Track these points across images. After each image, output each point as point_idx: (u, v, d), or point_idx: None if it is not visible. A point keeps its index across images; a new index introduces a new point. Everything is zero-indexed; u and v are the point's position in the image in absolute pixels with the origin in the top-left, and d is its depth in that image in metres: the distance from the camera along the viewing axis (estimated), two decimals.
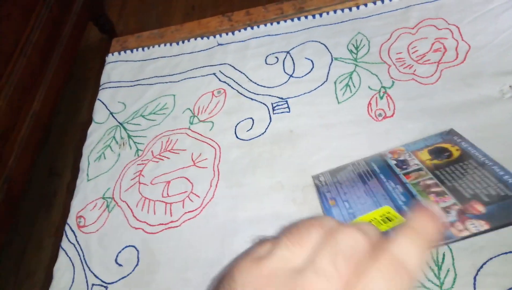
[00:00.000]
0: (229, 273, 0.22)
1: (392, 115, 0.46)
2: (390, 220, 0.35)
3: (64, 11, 1.35)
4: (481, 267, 0.35)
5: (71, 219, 0.52)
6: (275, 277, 0.20)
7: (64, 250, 0.49)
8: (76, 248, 0.49)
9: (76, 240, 0.50)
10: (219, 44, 0.60)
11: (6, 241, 1.13)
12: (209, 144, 0.51)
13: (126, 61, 0.64)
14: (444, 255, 0.36)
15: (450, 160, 0.39)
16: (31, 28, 1.20)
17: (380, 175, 0.40)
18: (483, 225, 0.31)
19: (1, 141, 1.08)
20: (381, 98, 0.48)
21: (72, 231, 0.51)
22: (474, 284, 0.35)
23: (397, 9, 0.54)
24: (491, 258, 0.35)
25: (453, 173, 0.37)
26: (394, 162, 0.41)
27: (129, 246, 0.47)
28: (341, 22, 0.55)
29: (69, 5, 1.38)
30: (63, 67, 1.31)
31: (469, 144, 0.39)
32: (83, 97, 1.54)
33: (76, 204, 0.53)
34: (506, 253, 0.35)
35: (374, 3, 0.55)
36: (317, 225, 0.22)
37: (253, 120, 0.51)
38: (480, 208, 0.32)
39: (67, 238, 0.50)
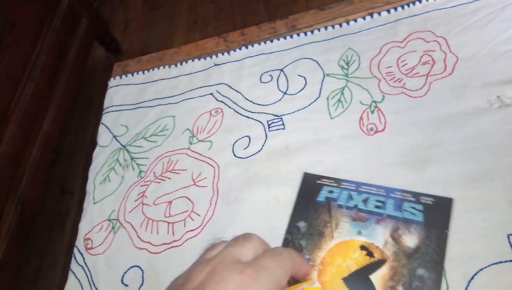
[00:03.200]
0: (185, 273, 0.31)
1: (383, 130, 0.47)
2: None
3: (69, 34, 1.39)
4: (472, 278, 0.36)
5: (79, 242, 0.54)
6: (224, 262, 0.30)
7: (73, 272, 0.51)
8: (84, 269, 0.51)
9: (84, 262, 0.52)
10: (215, 65, 0.62)
11: (22, 259, 1.16)
12: (208, 163, 0.53)
13: (128, 84, 0.66)
14: None
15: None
16: (37, 52, 1.24)
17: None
18: None
19: (13, 164, 1.11)
20: (372, 112, 0.49)
21: (80, 253, 0.53)
22: None
23: (386, 23, 0.55)
24: (481, 269, 0.36)
25: None
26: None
27: (134, 266, 0.49)
28: (332, 38, 0.57)
29: (74, 28, 1.42)
30: (71, 88, 1.35)
31: None
32: (91, 115, 1.58)
33: (83, 227, 0.55)
34: (496, 263, 0.36)
35: (364, 18, 0.57)
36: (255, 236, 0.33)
37: (249, 138, 0.53)
38: None
39: (76, 260, 0.52)
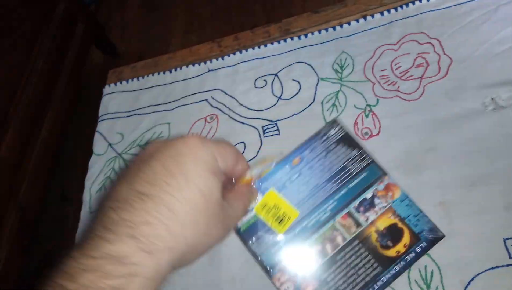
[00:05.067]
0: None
1: (378, 134, 0.47)
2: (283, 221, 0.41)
3: (66, 39, 1.38)
4: (469, 283, 0.36)
5: None
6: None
7: None
8: None
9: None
10: (209, 70, 0.62)
11: (23, 267, 1.16)
12: None
13: (122, 91, 0.66)
14: (432, 273, 0.37)
15: (375, 248, 0.39)
16: (35, 58, 1.23)
17: (343, 189, 0.42)
18: None
19: (12, 170, 1.11)
20: (367, 116, 0.48)
21: None
22: None
23: (379, 26, 0.55)
24: (478, 274, 0.36)
25: (356, 257, 0.39)
26: (370, 195, 0.42)
27: None
28: (326, 41, 0.56)
29: (70, 33, 1.42)
30: (69, 93, 1.35)
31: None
32: (89, 120, 1.58)
33: (80, 237, 0.54)
34: (492, 268, 0.36)
35: (357, 20, 0.56)
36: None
37: (245, 144, 0.53)
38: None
39: None
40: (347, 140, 0.45)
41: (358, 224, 0.40)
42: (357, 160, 0.43)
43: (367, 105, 0.49)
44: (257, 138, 0.52)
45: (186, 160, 0.28)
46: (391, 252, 0.38)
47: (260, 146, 0.52)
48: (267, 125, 0.53)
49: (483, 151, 0.42)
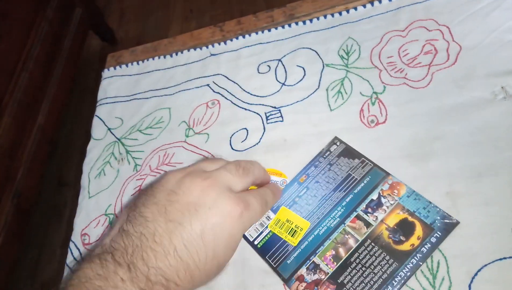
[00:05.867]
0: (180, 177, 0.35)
1: (384, 121, 0.46)
2: (295, 233, 0.42)
3: (64, 24, 1.36)
4: (476, 274, 0.35)
5: (76, 237, 0.53)
6: (218, 185, 0.34)
7: (70, 268, 0.51)
8: None
9: (82, 257, 0.51)
10: (211, 55, 0.60)
11: (20, 253, 1.16)
12: (206, 157, 0.52)
13: (122, 75, 0.65)
14: (438, 263, 0.37)
15: (388, 244, 0.39)
16: (31, 43, 1.21)
17: (349, 195, 0.43)
18: None
19: (8, 156, 1.10)
20: (373, 104, 0.47)
21: (77, 248, 0.52)
22: None
23: (387, 11, 0.54)
24: (485, 265, 0.35)
25: (370, 256, 0.38)
26: (376, 196, 0.42)
27: None
28: (332, 27, 0.55)
29: (68, 17, 1.39)
30: (66, 79, 1.33)
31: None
32: (86, 106, 1.56)
33: (79, 222, 0.54)
34: (500, 259, 0.35)
35: (364, 6, 0.55)
36: (254, 169, 0.41)
37: (247, 130, 0.52)
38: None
39: (72, 255, 0.51)
40: (348, 152, 0.45)
41: (368, 225, 0.40)
42: (359, 167, 0.44)
43: (374, 92, 0.48)
44: (260, 125, 0.51)
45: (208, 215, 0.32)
46: (405, 246, 0.37)
47: (263, 133, 0.51)
48: (270, 112, 0.52)
49: (492, 141, 0.41)
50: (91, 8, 1.54)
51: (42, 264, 1.32)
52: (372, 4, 0.55)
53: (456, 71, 0.46)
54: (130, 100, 0.61)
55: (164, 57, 0.63)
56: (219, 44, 0.61)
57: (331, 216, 0.42)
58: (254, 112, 0.53)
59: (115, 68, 0.66)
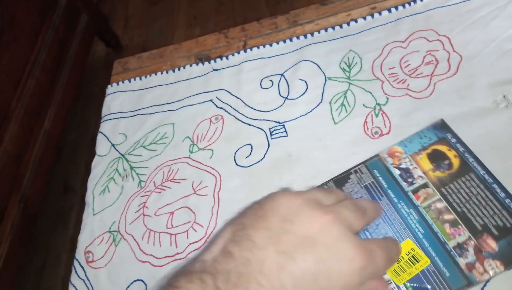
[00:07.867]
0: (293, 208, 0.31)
1: (388, 133, 0.46)
2: (417, 261, 0.37)
3: (70, 30, 1.38)
4: (485, 285, 0.35)
5: (79, 255, 0.52)
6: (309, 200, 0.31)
7: (74, 286, 0.50)
8: (85, 283, 0.50)
9: (86, 275, 0.51)
10: (214, 70, 0.61)
11: (26, 257, 1.15)
12: (210, 173, 0.52)
13: (125, 91, 0.65)
14: None
15: (452, 172, 0.40)
16: (38, 49, 1.23)
17: (389, 191, 0.41)
18: (498, 266, 0.34)
19: (15, 162, 1.11)
20: (377, 115, 0.48)
21: (81, 266, 0.51)
22: None
23: (387, 23, 0.54)
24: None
25: (459, 192, 0.39)
26: (397, 171, 0.42)
27: (137, 280, 0.48)
28: (332, 39, 0.56)
29: (74, 24, 1.41)
30: (71, 85, 1.35)
31: (464, 146, 0.41)
32: (92, 112, 1.57)
33: (83, 239, 0.53)
34: (509, 269, 0.35)
35: (364, 18, 0.55)
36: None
37: (251, 146, 0.52)
38: (493, 245, 0.35)
39: (77, 273, 0.51)
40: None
41: (425, 186, 0.40)
42: (365, 173, 0.44)
43: (377, 104, 0.48)
44: (264, 140, 0.51)
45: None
46: (456, 162, 0.41)
47: (268, 148, 0.51)
48: (274, 127, 0.52)
49: (494, 150, 0.41)
50: (96, 15, 1.56)
51: (48, 268, 1.31)
52: (372, 16, 0.55)
53: (457, 81, 0.46)
54: (134, 115, 0.62)
55: (167, 72, 0.64)
56: (221, 59, 0.61)
57: (407, 216, 0.39)
58: (258, 128, 0.53)
59: (118, 84, 0.66)
